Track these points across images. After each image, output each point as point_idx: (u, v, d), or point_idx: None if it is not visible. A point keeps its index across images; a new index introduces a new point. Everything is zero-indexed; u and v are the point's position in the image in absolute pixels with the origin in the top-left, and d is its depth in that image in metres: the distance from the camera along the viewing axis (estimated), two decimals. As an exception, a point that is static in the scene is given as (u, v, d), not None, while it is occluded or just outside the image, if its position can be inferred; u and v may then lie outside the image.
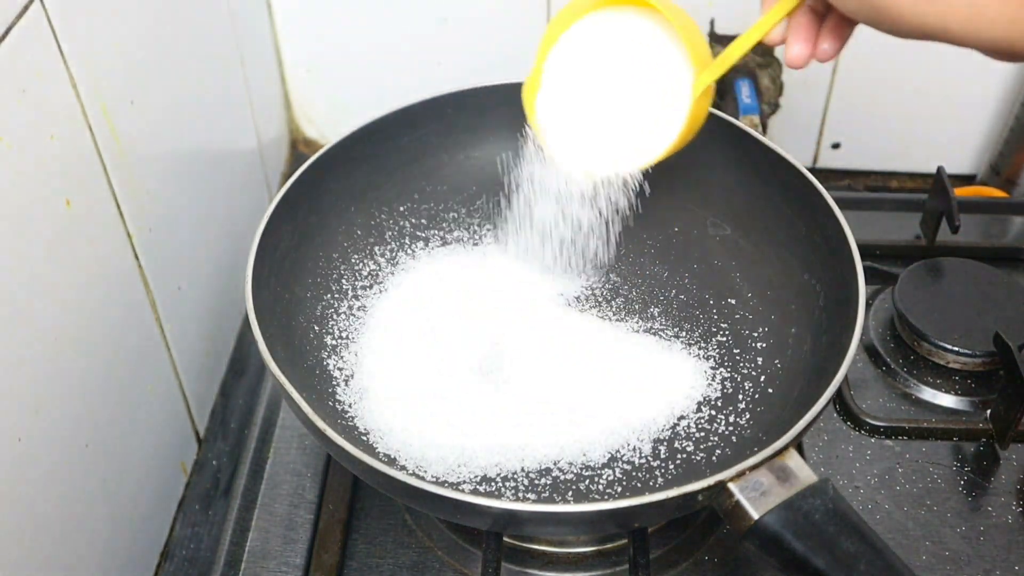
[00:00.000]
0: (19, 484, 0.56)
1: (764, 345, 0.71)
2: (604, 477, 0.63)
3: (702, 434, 0.66)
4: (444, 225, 0.81)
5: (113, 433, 0.67)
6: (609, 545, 0.69)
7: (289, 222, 0.72)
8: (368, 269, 0.77)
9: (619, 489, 0.62)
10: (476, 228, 0.81)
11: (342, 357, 0.71)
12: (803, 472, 0.54)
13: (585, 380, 0.68)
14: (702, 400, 0.68)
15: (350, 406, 0.67)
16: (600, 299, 0.75)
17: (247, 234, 0.69)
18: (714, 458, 0.64)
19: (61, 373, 0.60)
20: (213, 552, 0.74)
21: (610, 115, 0.66)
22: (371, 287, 0.76)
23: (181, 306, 0.77)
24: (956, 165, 1.05)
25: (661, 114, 0.64)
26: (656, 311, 0.74)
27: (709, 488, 0.53)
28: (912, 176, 1.06)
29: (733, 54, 0.59)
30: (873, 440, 0.75)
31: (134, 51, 0.68)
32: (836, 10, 0.54)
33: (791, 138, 1.04)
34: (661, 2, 0.60)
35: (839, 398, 0.77)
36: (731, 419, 0.66)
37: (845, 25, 0.57)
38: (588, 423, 0.65)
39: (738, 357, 0.70)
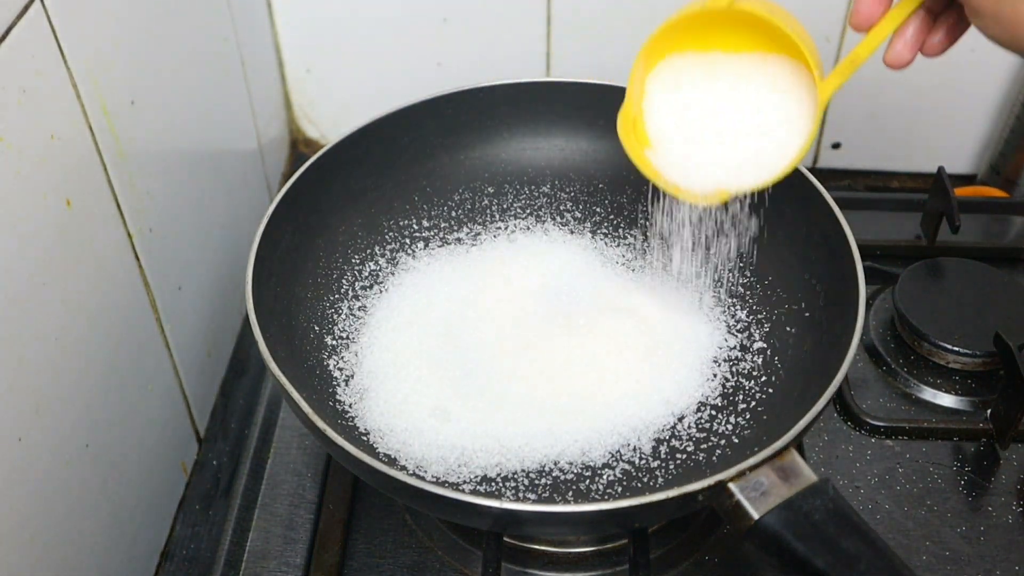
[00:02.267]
0: (19, 484, 0.56)
1: (764, 345, 0.71)
2: (604, 477, 0.63)
3: (702, 434, 0.66)
4: (444, 225, 0.81)
5: (113, 433, 0.67)
6: (609, 545, 0.69)
7: (289, 222, 0.72)
8: (368, 269, 0.77)
9: (619, 489, 0.62)
10: (476, 228, 0.81)
11: (342, 357, 0.71)
12: (803, 472, 0.54)
13: (585, 380, 0.68)
14: (702, 400, 0.68)
15: (350, 406, 0.67)
16: (599, 300, 0.75)
17: (247, 234, 0.69)
18: (714, 458, 0.64)
19: (61, 373, 0.60)
20: (213, 552, 0.74)
21: (732, 134, 0.63)
22: (371, 287, 0.76)
23: (181, 306, 0.77)
24: (956, 165, 1.05)
25: (787, 126, 0.61)
26: (656, 313, 0.74)
27: (709, 488, 0.53)
28: (912, 176, 1.06)
29: (861, 54, 0.56)
30: (873, 440, 0.75)
31: (134, 51, 0.68)
32: (953, 11, 0.52)
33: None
34: (770, 9, 0.58)
35: (839, 398, 0.77)
36: (731, 419, 0.66)
37: (962, 27, 0.54)
38: (588, 423, 0.65)
39: (738, 357, 0.70)
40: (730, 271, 0.76)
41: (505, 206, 0.83)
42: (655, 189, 0.66)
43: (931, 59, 0.56)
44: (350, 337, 0.72)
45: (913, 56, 0.55)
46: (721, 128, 0.63)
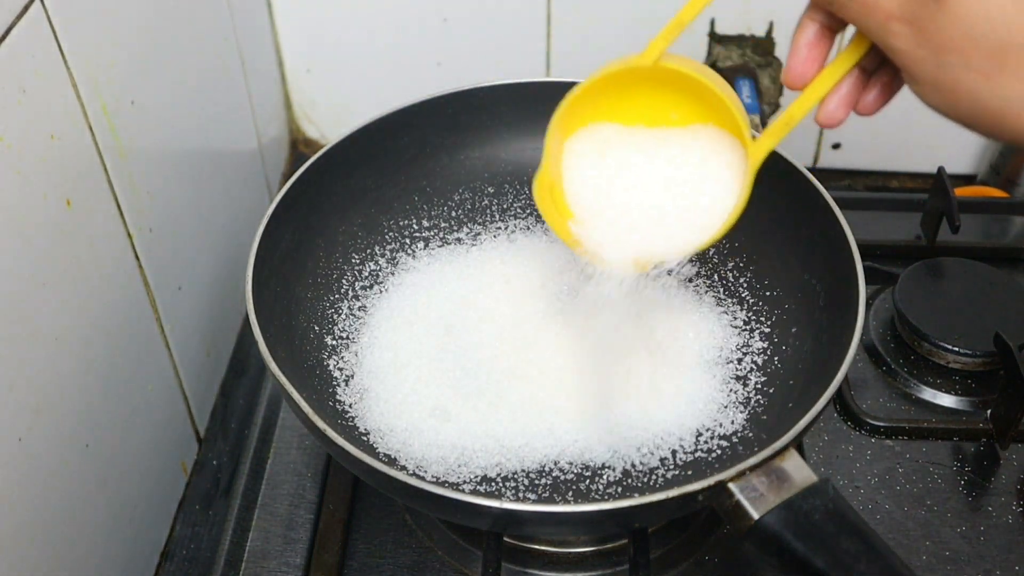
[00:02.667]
0: (19, 484, 0.56)
1: (764, 345, 0.71)
2: (604, 477, 0.63)
3: (702, 434, 0.65)
4: (444, 225, 0.81)
5: (113, 433, 0.67)
6: (609, 545, 0.69)
7: (289, 222, 0.72)
8: (368, 269, 0.77)
9: (619, 489, 0.62)
10: (476, 228, 0.81)
11: (342, 357, 0.71)
12: (803, 472, 0.54)
13: (585, 380, 0.68)
14: (702, 400, 0.67)
15: (350, 406, 0.67)
16: (599, 300, 0.75)
17: (247, 234, 0.69)
18: (714, 458, 0.64)
19: (61, 373, 0.60)
20: (213, 552, 0.74)
21: (656, 205, 0.60)
22: (371, 287, 0.76)
23: (181, 306, 0.77)
24: (956, 165, 1.05)
25: (715, 194, 0.59)
26: (656, 313, 0.74)
27: (709, 488, 0.53)
28: (912, 176, 1.06)
29: (796, 115, 0.54)
30: (873, 440, 0.75)
31: (134, 51, 0.68)
32: (887, 68, 0.50)
33: (791, 138, 1.03)
34: (698, 68, 0.56)
35: (839, 398, 0.77)
36: (731, 419, 0.66)
37: (896, 85, 0.52)
38: (588, 423, 0.65)
39: (738, 357, 0.70)
40: (731, 271, 0.76)
41: (505, 206, 0.83)
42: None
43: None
44: (350, 337, 0.72)
45: (847, 115, 0.53)
46: (644, 199, 0.60)
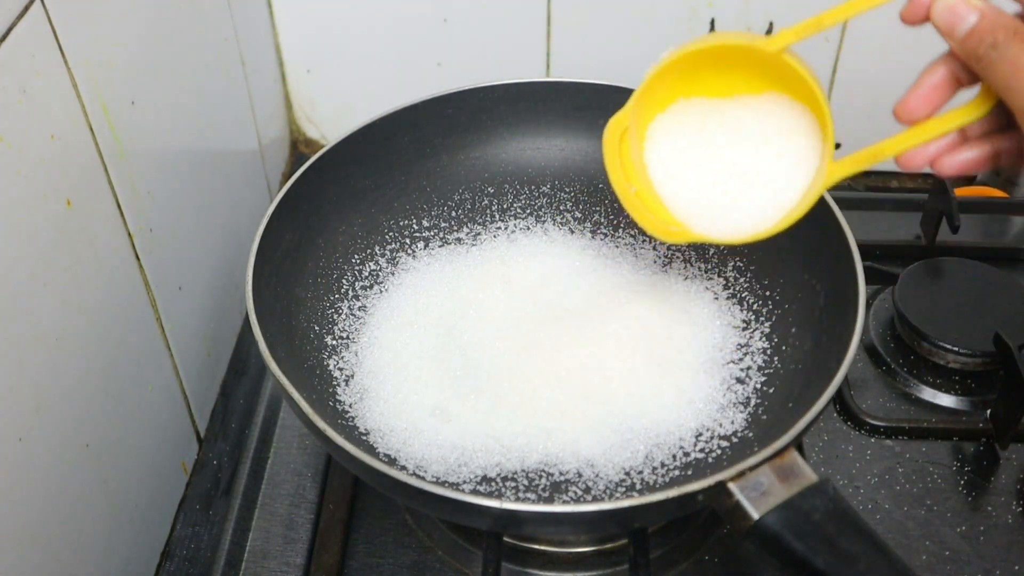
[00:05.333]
0: (19, 484, 0.56)
1: (764, 345, 0.71)
2: (604, 477, 0.63)
3: (702, 434, 0.65)
4: (444, 225, 0.81)
5: (113, 433, 0.67)
6: (609, 545, 0.69)
7: (290, 222, 0.72)
8: (368, 269, 0.77)
9: (619, 489, 0.62)
10: (476, 228, 0.81)
11: (342, 357, 0.71)
12: (803, 472, 0.54)
13: (585, 380, 0.68)
14: (702, 400, 0.67)
15: (350, 406, 0.67)
16: (599, 300, 0.75)
17: (248, 234, 0.69)
18: (714, 458, 0.64)
19: (61, 373, 0.60)
20: (214, 552, 0.74)
21: (730, 180, 0.61)
22: (371, 287, 0.76)
23: (181, 306, 0.77)
24: (956, 165, 1.04)
25: (786, 188, 0.60)
26: (656, 313, 0.74)
27: (709, 488, 0.53)
28: (912, 176, 1.06)
29: (887, 151, 0.53)
30: (873, 440, 0.75)
31: (135, 51, 0.68)
32: (991, 138, 0.49)
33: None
34: (810, 71, 0.55)
35: (839, 398, 0.77)
36: (731, 419, 0.66)
37: (989, 161, 0.51)
38: (588, 423, 0.65)
39: (738, 357, 0.70)
40: (731, 271, 0.76)
41: (505, 206, 0.83)
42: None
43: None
44: (350, 337, 0.72)
45: (925, 165, 0.52)
46: (722, 171, 0.61)
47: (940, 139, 0.52)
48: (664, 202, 0.63)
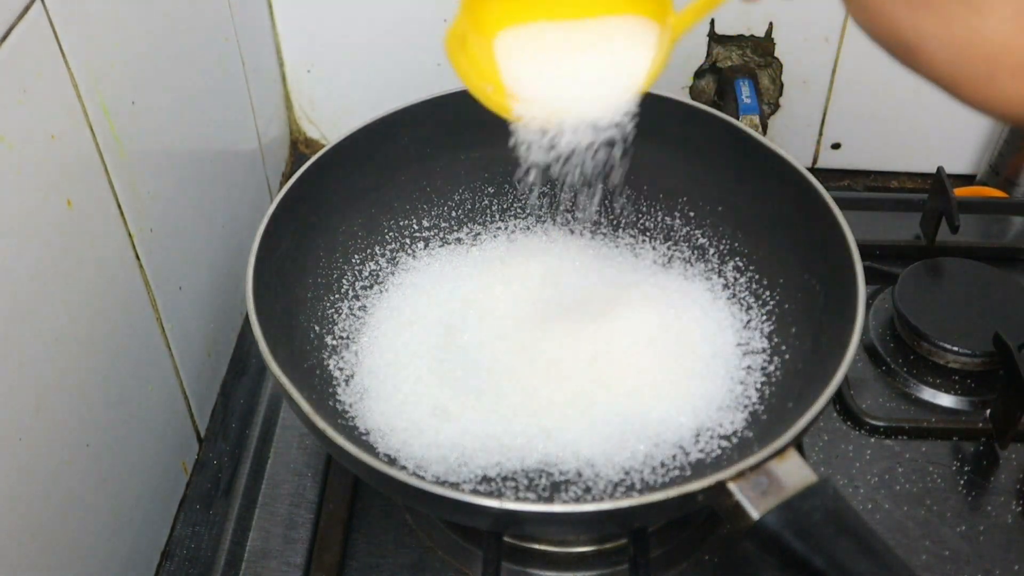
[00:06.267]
0: (19, 484, 0.56)
1: (764, 345, 0.71)
2: (604, 477, 0.63)
3: (702, 433, 0.65)
4: (444, 225, 0.81)
5: (113, 433, 0.67)
6: (609, 545, 0.69)
7: (290, 222, 0.72)
8: (369, 269, 0.77)
9: (619, 489, 0.62)
10: (476, 228, 0.81)
11: (342, 357, 0.71)
12: (803, 472, 0.54)
13: (585, 380, 0.68)
14: (702, 400, 0.67)
15: (350, 406, 0.67)
16: (599, 300, 0.75)
17: (248, 234, 0.69)
18: (714, 458, 0.64)
19: (61, 373, 0.60)
20: (214, 552, 0.74)
21: (577, 60, 0.61)
22: (371, 287, 0.76)
23: (181, 306, 0.77)
24: (956, 165, 1.05)
25: (633, 53, 0.60)
26: (656, 313, 0.74)
27: (709, 488, 0.53)
28: (912, 176, 1.06)
29: None
30: (873, 440, 0.75)
31: (135, 51, 0.68)
32: None
33: (791, 138, 1.04)
34: None
35: (839, 398, 0.77)
36: (731, 419, 0.66)
37: None
38: (588, 423, 0.65)
39: (738, 357, 0.70)
40: (731, 271, 0.76)
41: (505, 206, 0.83)
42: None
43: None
44: (350, 337, 0.72)
45: None
46: (570, 51, 0.61)
47: None
48: (520, 93, 0.63)
